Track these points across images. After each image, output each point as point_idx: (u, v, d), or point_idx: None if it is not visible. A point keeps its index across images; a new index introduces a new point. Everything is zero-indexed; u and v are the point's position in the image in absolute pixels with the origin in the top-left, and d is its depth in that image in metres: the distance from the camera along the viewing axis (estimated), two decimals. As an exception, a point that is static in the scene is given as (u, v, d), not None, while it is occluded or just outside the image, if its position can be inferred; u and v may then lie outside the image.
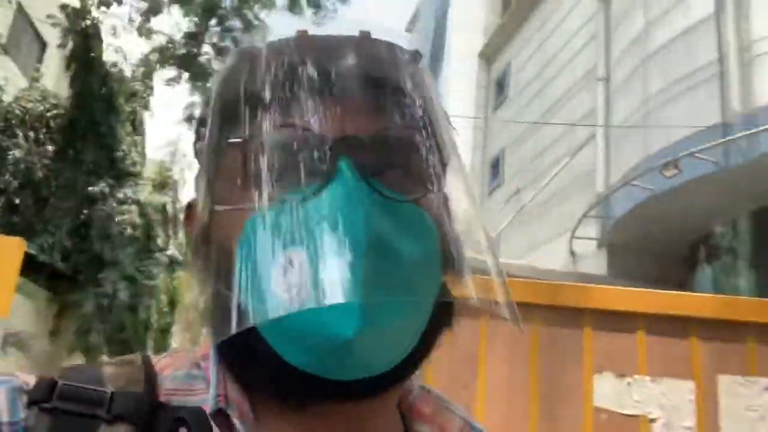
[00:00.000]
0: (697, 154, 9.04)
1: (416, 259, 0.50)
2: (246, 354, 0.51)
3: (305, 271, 0.45)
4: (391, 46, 0.56)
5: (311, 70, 0.50)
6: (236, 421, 0.50)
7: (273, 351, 0.49)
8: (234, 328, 0.45)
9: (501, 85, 17.72)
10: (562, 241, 12.23)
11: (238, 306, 0.47)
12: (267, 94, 0.50)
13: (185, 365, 0.55)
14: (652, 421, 1.64)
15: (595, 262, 11.16)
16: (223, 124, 0.54)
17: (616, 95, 11.98)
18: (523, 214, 13.27)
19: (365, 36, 0.56)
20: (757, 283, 9.49)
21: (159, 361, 0.56)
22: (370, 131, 0.52)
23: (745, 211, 9.74)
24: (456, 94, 17.78)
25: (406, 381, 0.58)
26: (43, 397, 0.47)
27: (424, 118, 0.53)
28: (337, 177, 0.49)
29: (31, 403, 0.47)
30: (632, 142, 10.99)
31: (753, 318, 1.58)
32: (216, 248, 0.53)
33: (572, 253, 11.93)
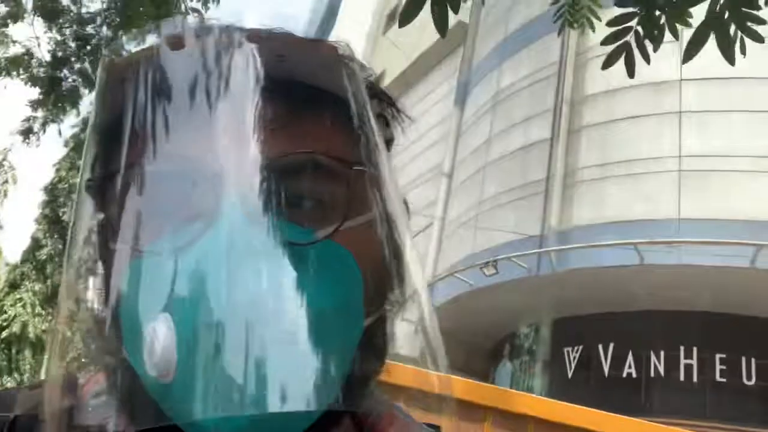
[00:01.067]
0: (513, 259, 9.92)
1: (326, 318, 0.39)
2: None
3: (166, 358, 0.37)
4: (302, 43, 0.45)
5: (190, 84, 0.40)
6: None
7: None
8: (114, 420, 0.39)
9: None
10: (386, 320, 12.63)
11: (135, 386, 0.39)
12: (133, 119, 0.40)
13: (102, 391, 0.46)
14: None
15: (410, 345, 11.65)
16: (97, 153, 0.45)
17: (456, 192, 12.91)
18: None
19: (260, 33, 0.43)
20: (549, 383, 10.39)
21: (86, 383, 0.46)
22: (268, 157, 0.40)
23: (549, 317, 10.73)
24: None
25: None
26: None
27: (338, 132, 0.44)
28: (218, 220, 0.38)
29: None
30: (462, 238, 11.83)
31: (490, 403, 1.88)
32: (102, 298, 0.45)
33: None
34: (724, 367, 9.35)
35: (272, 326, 0.37)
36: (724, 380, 9.28)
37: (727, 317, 9.18)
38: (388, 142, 0.51)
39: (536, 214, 10.63)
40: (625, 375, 9.81)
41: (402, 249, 0.45)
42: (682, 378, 9.49)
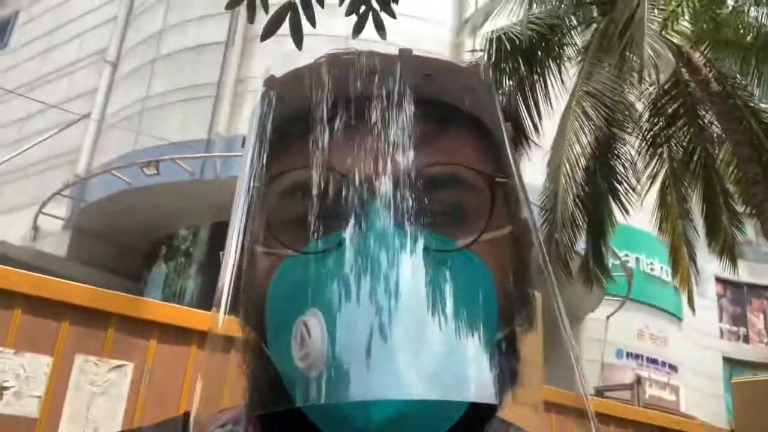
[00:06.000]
0: (177, 161, 9.74)
1: (462, 323, 0.41)
2: (282, 424, 0.46)
3: (319, 348, 0.39)
4: (448, 65, 0.49)
5: (341, 105, 0.44)
6: None
7: (311, 425, 0.43)
8: (267, 406, 0.45)
9: (2, 32, 15.92)
10: (29, 214, 11.54)
11: (273, 375, 0.43)
12: (293, 134, 0.45)
13: (230, 420, 0.51)
14: (5, 389, 1.82)
15: (58, 242, 10.86)
16: (259, 160, 0.47)
17: (120, 83, 12.04)
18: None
19: (409, 55, 0.47)
20: (202, 285, 10.62)
21: (207, 418, 0.48)
22: (412, 168, 0.43)
23: (208, 221, 10.86)
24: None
25: None
26: None
27: (477, 149, 0.47)
28: (363, 226, 0.41)
29: None
30: (123, 132, 11.17)
31: (115, 309, 1.91)
32: (248, 292, 0.47)
33: (35, 228, 11.37)
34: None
35: (417, 323, 0.39)
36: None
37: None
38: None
39: (204, 117, 10.50)
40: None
41: (534, 266, 0.48)
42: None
